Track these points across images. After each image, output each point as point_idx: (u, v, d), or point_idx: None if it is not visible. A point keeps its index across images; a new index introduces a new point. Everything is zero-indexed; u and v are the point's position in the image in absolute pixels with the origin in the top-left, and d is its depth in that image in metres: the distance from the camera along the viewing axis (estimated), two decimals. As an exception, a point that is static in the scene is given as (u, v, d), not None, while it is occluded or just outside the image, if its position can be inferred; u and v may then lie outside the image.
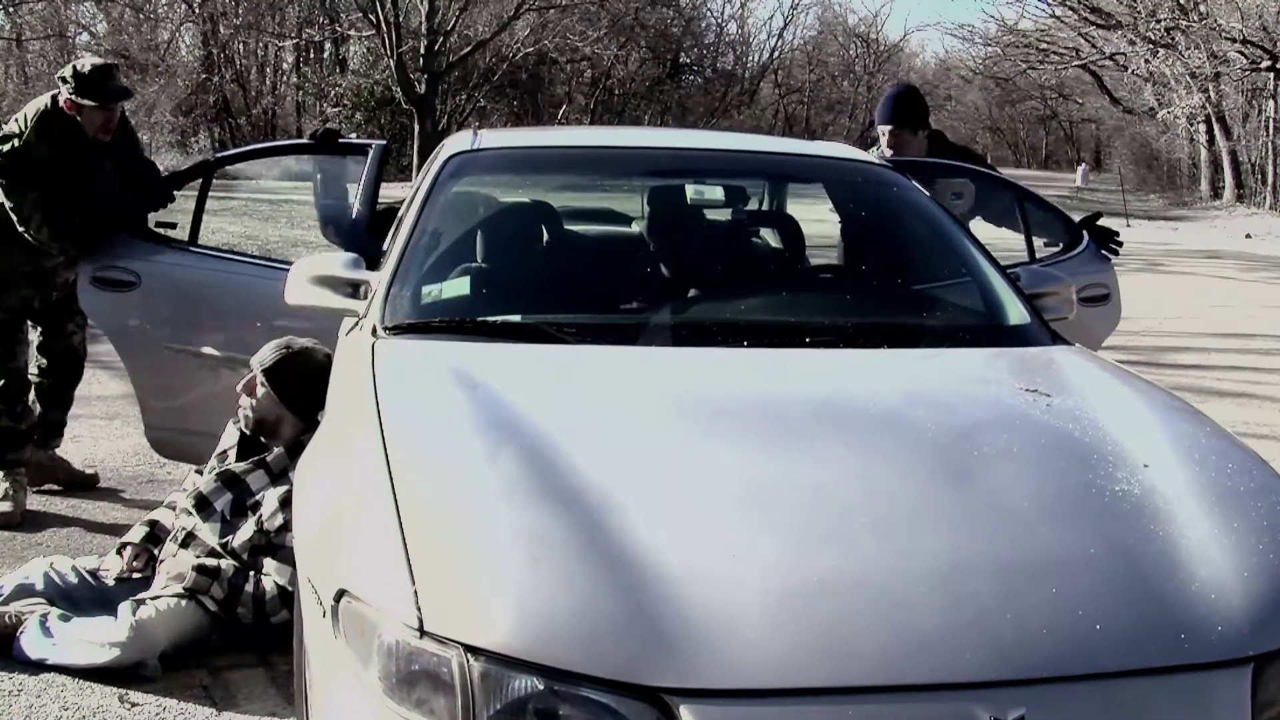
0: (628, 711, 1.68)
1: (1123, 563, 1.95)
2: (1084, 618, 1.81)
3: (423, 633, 1.76)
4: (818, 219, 4.44)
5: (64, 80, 4.23)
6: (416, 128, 28.29)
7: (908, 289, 3.51)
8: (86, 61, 4.28)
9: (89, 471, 4.81)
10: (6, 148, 4.23)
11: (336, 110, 35.48)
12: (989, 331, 3.05)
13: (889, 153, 4.52)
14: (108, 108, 4.27)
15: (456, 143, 3.66)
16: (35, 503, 4.61)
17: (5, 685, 3.10)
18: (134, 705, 3.03)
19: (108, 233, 4.24)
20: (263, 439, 3.55)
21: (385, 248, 3.46)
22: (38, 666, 3.16)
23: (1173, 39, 30.61)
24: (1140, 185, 39.41)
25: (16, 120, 4.33)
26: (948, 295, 3.37)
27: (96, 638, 3.13)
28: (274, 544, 3.32)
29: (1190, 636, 1.82)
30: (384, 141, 4.48)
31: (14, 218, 4.22)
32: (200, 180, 4.50)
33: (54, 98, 4.30)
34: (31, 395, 4.58)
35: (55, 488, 4.73)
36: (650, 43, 41.10)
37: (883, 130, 4.61)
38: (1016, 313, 3.08)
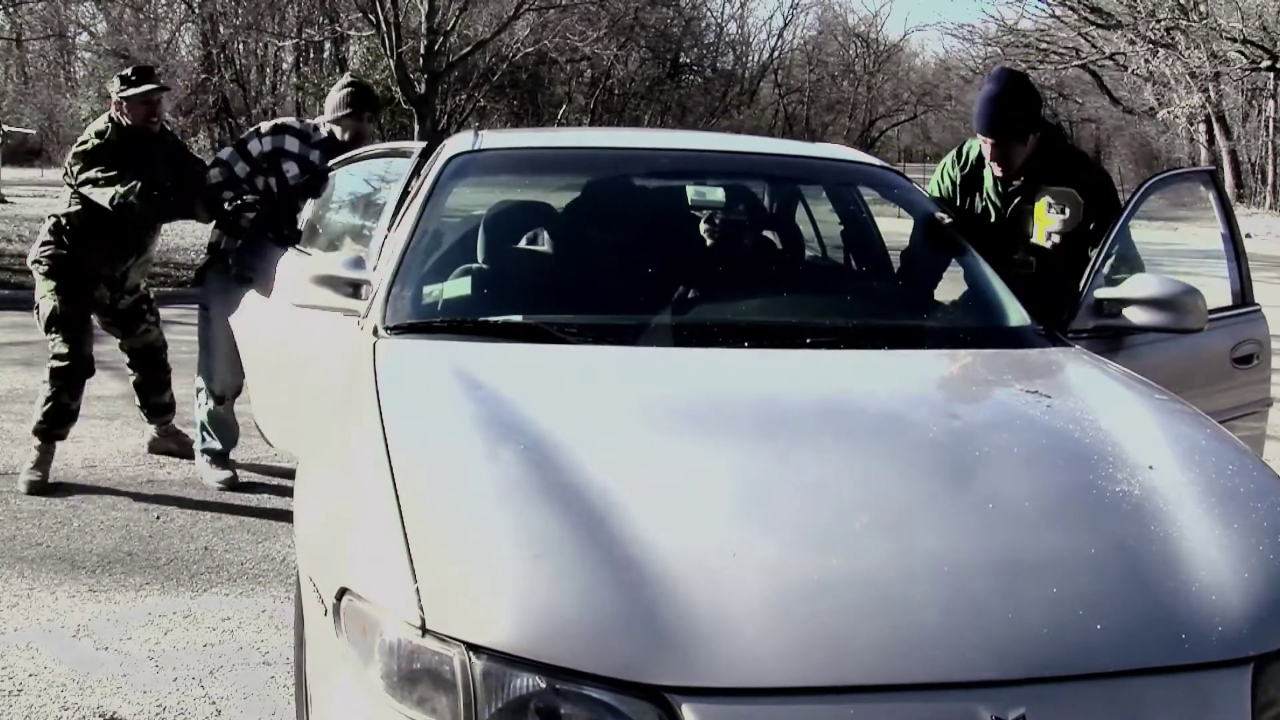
0: (629, 710, 1.68)
1: (1123, 563, 1.95)
2: (1084, 617, 1.81)
3: (425, 631, 1.76)
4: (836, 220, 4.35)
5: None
6: (416, 128, 28.27)
7: (907, 290, 3.51)
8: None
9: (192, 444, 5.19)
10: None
11: (336, 110, 35.35)
12: (989, 333, 3.05)
13: (995, 168, 3.63)
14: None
15: (457, 143, 3.67)
16: (34, 504, 4.62)
17: (5, 685, 3.10)
18: (134, 705, 3.03)
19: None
20: None
21: (384, 248, 3.46)
22: (38, 666, 3.17)
23: (1173, 39, 30.65)
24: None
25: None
26: (948, 296, 3.37)
27: None
28: None
29: (1190, 636, 1.82)
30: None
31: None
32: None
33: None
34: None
35: (170, 457, 5.33)
36: (650, 43, 41.13)
37: (983, 143, 3.63)
38: (1017, 314, 3.09)
